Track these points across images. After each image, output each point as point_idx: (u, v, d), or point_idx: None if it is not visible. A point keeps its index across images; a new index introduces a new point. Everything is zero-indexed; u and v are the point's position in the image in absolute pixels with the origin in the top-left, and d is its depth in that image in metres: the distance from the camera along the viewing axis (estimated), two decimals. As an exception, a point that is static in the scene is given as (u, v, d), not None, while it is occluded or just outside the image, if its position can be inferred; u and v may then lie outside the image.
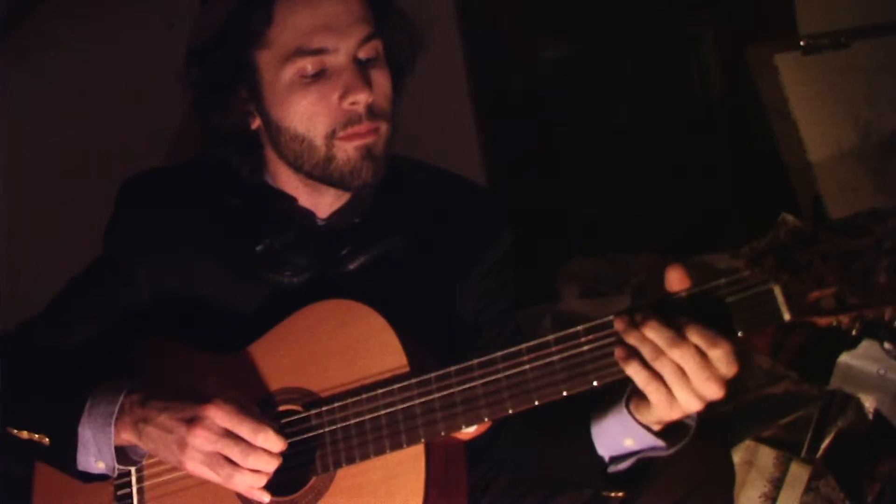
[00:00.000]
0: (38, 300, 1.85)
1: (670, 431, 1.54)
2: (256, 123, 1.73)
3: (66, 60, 2.93)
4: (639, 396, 1.52)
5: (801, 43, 3.15)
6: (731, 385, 1.44)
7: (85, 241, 1.84)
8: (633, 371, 1.42)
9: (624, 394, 1.56)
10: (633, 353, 1.42)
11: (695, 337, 1.39)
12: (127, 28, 2.92)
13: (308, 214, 1.75)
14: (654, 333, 1.40)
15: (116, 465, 1.63)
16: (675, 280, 1.43)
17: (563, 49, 3.67)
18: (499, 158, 3.50)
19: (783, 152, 3.15)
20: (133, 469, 1.69)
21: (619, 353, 1.43)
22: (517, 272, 1.89)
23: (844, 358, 2.40)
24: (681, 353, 1.39)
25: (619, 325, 1.43)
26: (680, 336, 1.39)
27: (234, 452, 1.52)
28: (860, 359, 2.39)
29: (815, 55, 3.15)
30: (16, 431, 1.68)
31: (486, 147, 3.49)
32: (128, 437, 1.61)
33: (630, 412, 1.55)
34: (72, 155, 2.92)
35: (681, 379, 1.40)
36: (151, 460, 1.67)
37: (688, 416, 1.51)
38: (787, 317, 1.36)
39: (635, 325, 1.41)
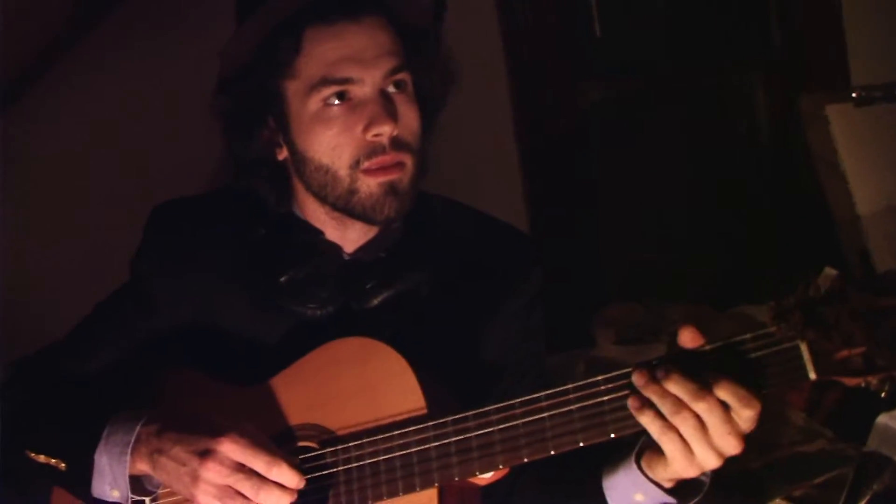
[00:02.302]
0: (68, 324, 1.85)
1: (683, 487, 1.51)
2: (283, 154, 1.72)
3: (106, 87, 2.98)
4: (651, 451, 1.48)
5: (854, 94, 3.11)
6: (762, 440, 1.41)
7: (118, 267, 1.85)
8: (648, 421, 1.39)
9: (635, 447, 1.52)
10: (649, 403, 1.39)
11: (724, 393, 1.35)
12: (167, 56, 2.96)
13: (334, 248, 1.74)
14: (676, 387, 1.37)
15: (130, 495, 1.62)
16: (688, 340, 1.41)
17: (611, 93, 3.66)
18: (541, 201, 3.49)
19: (831, 204, 3.11)
20: (148, 499, 1.67)
21: (633, 402, 1.40)
22: (553, 315, 1.87)
23: (883, 418, 2.34)
24: (706, 406, 1.36)
25: (638, 380, 1.40)
26: (705, 389, 1.35)
27: (245, 487, 1.51)
28: (900, 420, 2.33)
29: (867, 107, 3.10)
30: (33, 455, 1.67)
31: (528, 189, 3.48)
32: (143, 467, 1.60)
33: (640, 468, 1.51)
34: (109, 181, 2.95)
35: (701, 433, 1.37)
36: (166, 490, 1.66)
37: (703, 473, 1.47)
38: (812, 375, 1.32)
39: (656, 380, 1.39)
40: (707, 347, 1.39)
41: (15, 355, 1.85)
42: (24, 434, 1.70)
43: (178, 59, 2.88)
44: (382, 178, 1.64)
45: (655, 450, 1.46)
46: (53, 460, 1.66)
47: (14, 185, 2.83)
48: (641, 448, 1.52)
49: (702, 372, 1.37)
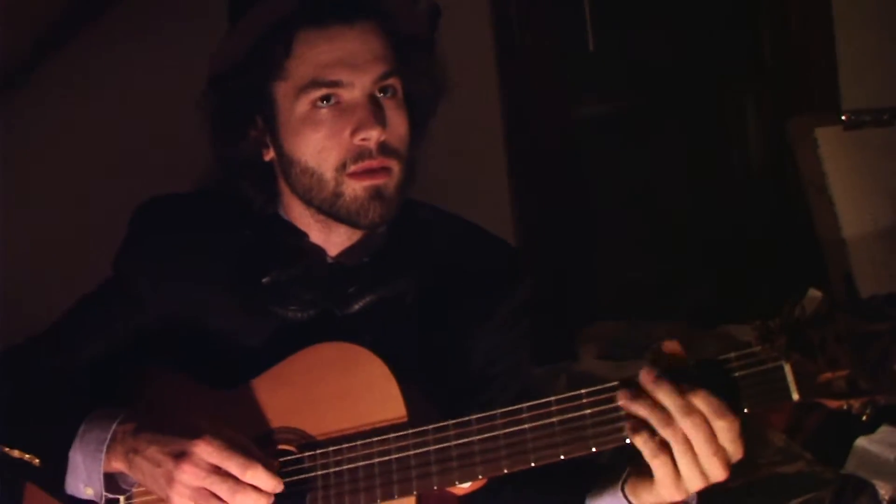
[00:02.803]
0: (52, 317, 1.84)
1: None
2: (270, 155, 1.72)
3: (105, 80, 2.97)
4: (636, 477, 1.48)
5: (843, 118, 3.13)
6: (742, 460, 1.40)
7: (104, 262, 1.83)
8: (641, 442, 1.38)
9: (621, 476, 1.52)
10: (643, 424, 1.38)
11: (700, 402, 1.35)
12: (165, 51, 2.95)
13: (318, 251, 1.73)
14: (667, 399, 1.36)
15: (104, 493, 1.61)
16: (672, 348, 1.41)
17: (603, 108, 3.66)
18: (530, 214, 3.48)
19: (817, 226, 3.12)
20: (122, 498, 1.66)
21: (629, 424, 1.39)
22: (538, 328, 1.86)
23: (861, 442, 2.34)
24: (692, 422, 1.35)
25: (624, 396, 1.40)
26: (691, 405, 1.35)
27: (221, 489, 1.50)
28: (878, 444, 2.33)
29: (856, 131, 3.12)
30: (7, 449, 1.66)
31: (517, 202, 3.47)
32: (118, 465, 1.59)
33: (625, 495, 1.51)
34: (97, 175, 2.94)
35: (688, 451, 1.36)
36: (141, 489, 1.64)
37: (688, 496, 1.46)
38: (795, 396, 1.32)
39: (643, 393, 1.38)
40: (691, 363, 1.39)
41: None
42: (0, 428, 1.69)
43: (177, 54, 2.86)
44: (368, 182, 1.63)
45: (641, 475, 1.46)
46: (27, 456, 1.64)
47: (11, 176, 2.82)
48: (626, 476, 1.51)
49: (684, 386, 1.37)
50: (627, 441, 1.41)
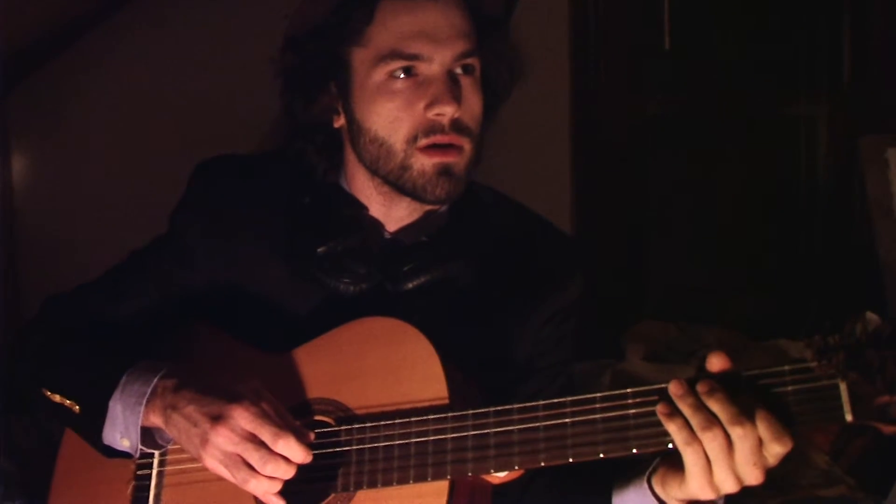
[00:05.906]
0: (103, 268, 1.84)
1: None
2: (340, 122, 1.71)
3: (167, 39, 2.99)
4: (666, 468, 1.45)
5: (917, 140, 3.08)
6: (782, 479, 1.37)
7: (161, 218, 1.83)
8: (676, 429, 1.35)
9: (648, 468, 1.49)
10: (680, 411, 1.35)
11: (759, 425, 1.32)
12: (231, 13, 2.96)
13: (377, 225, 1.72)
14: (718, 405, 1.33)
15: (140, 446, 1.61)
16: (716, 366, 1.38)
17: (671, 108, 3.63)
18: (589, 206, 3.47)
19: (879, 248, 3.06)
20: (157, 453, 1.66)
21: (662, 408, 1.36)
22: (587, 323, 1.84)
23: (907, 473, 2.30)
24: (742, 432, 1.32)
25: (676, 389, 1.36)
26: (745, 415, 1.32)
27: (253, 457, 1.49)
28: (924, 477, 2.28)
29: (929, 156, 3.07)
30: (49, 394, 1.67)
31: (577, 193, 3.46)
32: (156, 420, 1.59)
33: (651, 487, 1.48)
34: (162, 136, 2.96)
35: (726, 455, 1.33)
36: (176, 447, 1.64)
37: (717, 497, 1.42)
38: (848, 417, 1.29)
39: (694, 393, 1.35)
40: (742, 374, 1.36)
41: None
42: (43, 372, 1.70)
43: (248, 16, 2.88)
44: (438, 160, 1.62)
45: (671, 467, 1.44)
46: (68, 402, 1.65)
47: (69, 129, 2.85)
48: (655, 466, 1.49)
49: (738, 396, 1.33)
50: (670, 446, 1.38)
